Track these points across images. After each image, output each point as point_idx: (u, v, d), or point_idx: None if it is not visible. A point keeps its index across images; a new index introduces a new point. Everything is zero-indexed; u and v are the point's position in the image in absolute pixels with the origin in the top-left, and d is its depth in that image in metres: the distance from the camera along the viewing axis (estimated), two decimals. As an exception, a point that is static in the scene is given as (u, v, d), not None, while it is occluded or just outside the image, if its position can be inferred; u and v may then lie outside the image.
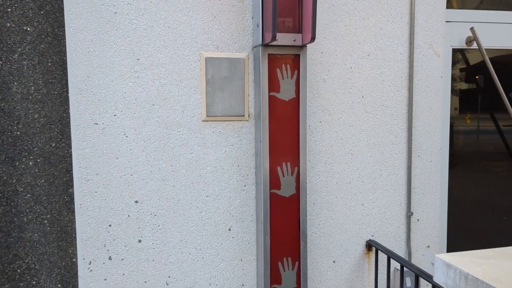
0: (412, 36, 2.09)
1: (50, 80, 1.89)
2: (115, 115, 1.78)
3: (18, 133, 1.88)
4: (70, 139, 1.87)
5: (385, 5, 2.06)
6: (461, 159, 2.55)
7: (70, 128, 1.84)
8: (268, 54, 1.83)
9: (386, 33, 2.07)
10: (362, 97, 2.07)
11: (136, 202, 1.84)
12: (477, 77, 2.53)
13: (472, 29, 2.21)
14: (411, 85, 2.11)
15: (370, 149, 2.10)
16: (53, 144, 1.92)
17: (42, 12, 1.85)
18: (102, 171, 1.79)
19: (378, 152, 2.12)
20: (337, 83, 2.03)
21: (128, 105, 1.79)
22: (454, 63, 2.40)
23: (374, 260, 2.09)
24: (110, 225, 1.81)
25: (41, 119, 1.89)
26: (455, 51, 2.39)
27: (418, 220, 2.19)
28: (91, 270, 1.81)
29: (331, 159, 2.06)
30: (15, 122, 1.87)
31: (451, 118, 2.41)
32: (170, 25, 1.80)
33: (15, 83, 1.85)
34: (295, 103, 1.89)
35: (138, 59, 1.78)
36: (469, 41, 2.31)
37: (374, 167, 2.12)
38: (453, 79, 2.39)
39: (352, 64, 2.04)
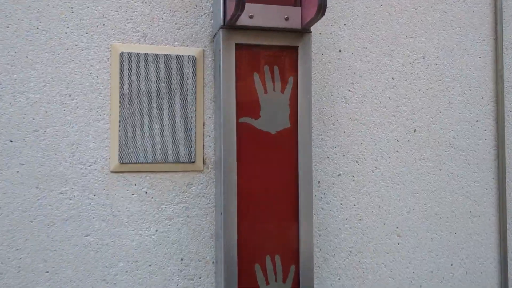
0: (499, 26, 1.20)
1: None
2: None
3: None
4: None
5: (450, -28, 1.18)
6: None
7: None
8: (236, 46, 0.95)
9: (454, 21, 1.18)
10: (415, 131, 1.15)
11: (-31, 335, 0.91)
12: None
13: None
14: (501, 111, 1.19)
15: (432, 225, 1.16)
16: None
17: None
18: None
19: (446, 232, 1.17)
20: (369, 105, 1.12)
21: (-40, 141, 0.91)
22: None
23: None
24: None
25: None
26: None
27: None
28: None
29: (361, 245, 1.11)
30: None
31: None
32: (52, -9, 0.95)
33: None
34: (289, 139, 0.98)
35: (-16, 53, 0.92)
36: None
37: (439, 259, 1.16)
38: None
39: (395, 73, 1.14)
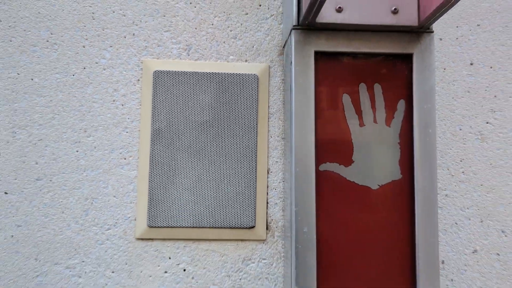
0: None
1: None
2: None
3: None
4: None
5: None
6: None
7: None
8: (317, 54, 0.63)
9: None
10: None
11: None
12: None
13: None
14: None
15: None
16: None
17: None
18: None
19: None
20: (521, 144, 0.73)
21: None
22: None
23: None
24: None
25: None
26: None
27: None
28: None
29: None
30: None
31: None
32: (69, -8, 0.71)
33: None
34: (400, 197, 0.62)
35: (-21, 76, 0.69)
36: None
37: None
38: None
39: (561, 95, 0.75)
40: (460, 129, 0.74)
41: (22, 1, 0.71)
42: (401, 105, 0.63)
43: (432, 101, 0.62)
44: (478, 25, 0.76)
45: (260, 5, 0.73)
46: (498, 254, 0.72)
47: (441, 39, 0.75)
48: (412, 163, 0.62)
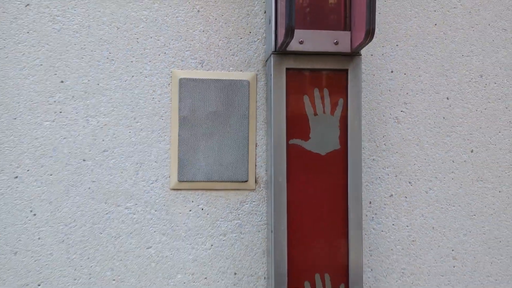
0: None
1: None
2: (16, 178, 1.02)
3: None
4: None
5: (509, -12, 1.15)
6: None
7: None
8: (287, 70, 0.99)
9: (514, 38, 1.15)
10: (472, 151, 1.12)
11: (46, 334, 1.02)
12: None
13: None
14: None
15: (491, 249, 1.12)
16: None
17: None
18: (-11, 276, 1.01)
19: (506, 256, 1.12)
20: (423, 125, 1.11)
21: (41, 161, 1.02)
22: None
23: None
24: None
25: None
26: None
27: None
28: None
29: (414, 267, 1.10)
30: None
31: None
32: (121, 25, 1.05)
33: None
34: (339, 160, 1.00)
35: (62, 82, 1.04)
36: None
37: (498, 284, 1.12)
38: None
39: (450, 92, 1.12)
40: (383, 115, 1.11)
41: (89, 30, 1.04)
42: (341, 102, 1.00)
43: (359, 99, 0.99)
44: (397, 45, 1.12)
45: (250, 32, 1.09)
46: (406, 197, 1.11)
47: (372, 55, 1.11)
48: (346, 138, 1.00)
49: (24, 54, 1.03)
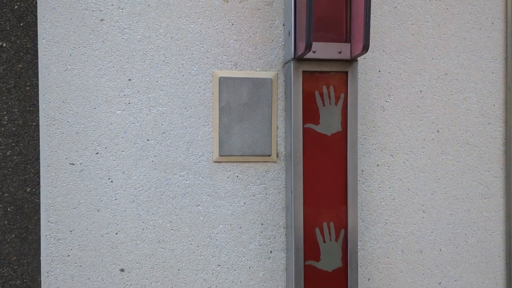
0: (509, 48, 1.51)
1: (28, 108, 1.50)
2: (97, 153, 1.34)
3: (-14, 174, 1.49)
4: (44, 183, 1.45)
5: (468, 7, 1.50)
6: None
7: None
8: (303, 72, 1.33)
9: (471, 45, 1.50)
10: (438, 131, 1.49)
11: (122, 270, 1.36)
12: None
13: None
14: (509, 115, 1.51)
15: (450, 204, 1.50)
16: (28, 189, 1.51)
17: (21, 24, 1.49)
18: (78, 228, 1.34)
19: (461, 209, 1.51)
20: (402, 112, 1.47)
21: (115, 140, 1.35)
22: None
23: None
24: (86, 301, 1.34)
25: (15, 157, 1.50)
26: None
27: (523, 309, 1.52)
28: None
29: (394, 218, 1.47)
30: (-18, 160, 1.48)
31: None
32: (173, 35, 1.36)
33: (-15, 112, 1.48)
34: (341, 139, 1.35)
35: (129, 80, 1.35)
36: None
37: (456, 230, 1.50)
38: None
39: (423, 87, 1.48)
40: (373, 105, 1.47)
41: (149, 39, 1.35)
42: (342, 96, 1.34)
43: (356, 94, 1.33)
44: (383, 50, 1.47)
45: (272, 41, 1.41)
46: (388, 167, 1.48)
47: (364, 58, 1.46)
48: (346, 123, 1.35)
49: (100, 58, 1.34)
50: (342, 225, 1.36)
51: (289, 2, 1.33)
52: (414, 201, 1.49)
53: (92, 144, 1.34)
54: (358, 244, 1.45)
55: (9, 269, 1.50)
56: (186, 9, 1.37)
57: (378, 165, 1.47)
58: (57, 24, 1.32)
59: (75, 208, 1.34)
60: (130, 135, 1.35)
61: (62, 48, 1.32)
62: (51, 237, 1.33)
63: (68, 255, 1.34)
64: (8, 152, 1.49)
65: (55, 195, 1.33)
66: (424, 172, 1.49)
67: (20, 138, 1.49)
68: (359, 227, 1.46)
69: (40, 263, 1.48)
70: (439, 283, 1.50)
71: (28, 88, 1.49)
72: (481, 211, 1.51)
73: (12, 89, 1.49)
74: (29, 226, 1.51)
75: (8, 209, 1.50)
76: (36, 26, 1.49)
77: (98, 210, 1.35)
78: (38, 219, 1.51)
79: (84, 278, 1.35)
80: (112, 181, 1.35)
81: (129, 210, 1.36)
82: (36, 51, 1.49)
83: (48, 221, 1.33)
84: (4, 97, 1.48)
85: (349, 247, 1.35)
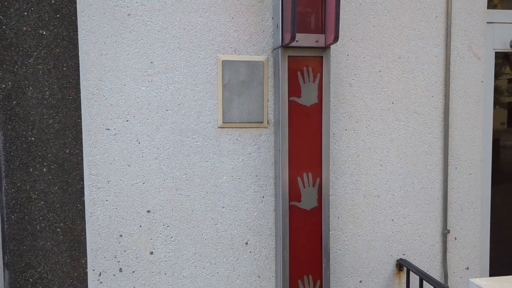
0: (448, 37, 1.92)
1: (65, 85, 1.85)
2: (127, 121, 1.71)
3: (33, 138, 1.84)
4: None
5: (418, 3, 1.90)
6: (509, 176, 2.32)
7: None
8: (288, 56, 1.71)
9: (419, 34, 1.91)
10: (393, 103, 1.91)
11: (148, 211, 1.75)
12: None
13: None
14: (448, 90, 1.93)
15: (401, 159, 1.93)
16: (67, 151, 1.87)
17: (58, 15, 1.82)
18: (113, 179, 1.72)
19: (410, 163, 1.94)
20: (365, 88, 1.88)
21: (141, 110, 1.71)
22: (502, 73, 2.19)
23: (405, 281, 1.90)
24: (121, 235, 1.73)
25: (56, 124, 1.85)
26: (499, 57, 2.18)
27: (455, 239, 1.98)
28: (101, 282, 1.73)
29: (358, 170, 1.90)
30: (30, 127, 1.83)
31: (498, 132, 2.20)
32: (186, 26, 1.72)
33: (30, 88, 1.82)
34: (317, 109, 1.75)
35: (151, 62, 1.71)
36: (514, 42, 2.11)
37: (405, 179, 1.94)
38: (502, 91, 2.18)
39: (381, 68, 1.89)
40: (342, 82, 1.86)
41: (167, 30, 1.71)
42: (318, 75, 1.74)
43: (329, 73, 1.73)
44: (351, 39, 1.86)
45: (263, 31, 1.79)
46: (354, 130, 1.89)
47: (336, 45, 1.85)
48: (321, 96, 1.74)
49: (128, 45, 1.69)
50: (318, 175, 1.78)
51: (277, 0, 1.70)
52: (373, 157, 1.91)
53: (123, 113, 1.71)
54: (330, 190, 1.88)
55: (54, 214, 1.88)
56: (196, 6, 1.72)
57: (346, 129, 1.88)
58: (93, 18, 1.66)
59: (111, 163, 1.71)
60: (152, 106, 1.72)
61: (98, 37, 1.67)
62: (93, 186, 1.71)
63: (107, 200, 1.72)
64: (50, 121, 1.84)
65: (95, 154, 1.70)
66: (381, 135, 1.91)
67: (59, 110, 1.85)
68: (331, 177, 1.88)
69: (79, 209, 1.86)
70: (392, 220, 1.94)
71: (65, 68, 1.84)
72: (425, 164, 1.95)
73: (52, 69, 1.83)
74: (69, 180, 1.88)
75: (52, 166, 1.86)
76: (70, 17, 1.82)
77: (129, 165, 1.73)
78: (76, 175, 1.88)
79: (119, 218, 1.73)
80: (139, 143, 1.73)
81: (153, 165, 1.74)
82: (71, 38, 1.82)
83: (90, 174, 1.70)
84: (46, 76, 1.82)
85: (323, 191, 1.77)
